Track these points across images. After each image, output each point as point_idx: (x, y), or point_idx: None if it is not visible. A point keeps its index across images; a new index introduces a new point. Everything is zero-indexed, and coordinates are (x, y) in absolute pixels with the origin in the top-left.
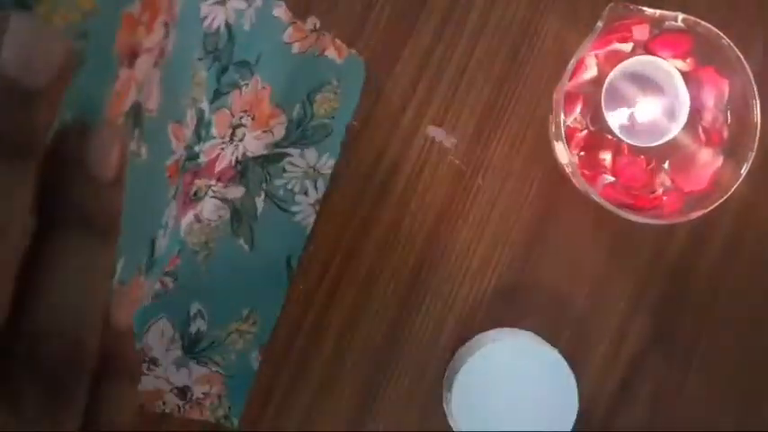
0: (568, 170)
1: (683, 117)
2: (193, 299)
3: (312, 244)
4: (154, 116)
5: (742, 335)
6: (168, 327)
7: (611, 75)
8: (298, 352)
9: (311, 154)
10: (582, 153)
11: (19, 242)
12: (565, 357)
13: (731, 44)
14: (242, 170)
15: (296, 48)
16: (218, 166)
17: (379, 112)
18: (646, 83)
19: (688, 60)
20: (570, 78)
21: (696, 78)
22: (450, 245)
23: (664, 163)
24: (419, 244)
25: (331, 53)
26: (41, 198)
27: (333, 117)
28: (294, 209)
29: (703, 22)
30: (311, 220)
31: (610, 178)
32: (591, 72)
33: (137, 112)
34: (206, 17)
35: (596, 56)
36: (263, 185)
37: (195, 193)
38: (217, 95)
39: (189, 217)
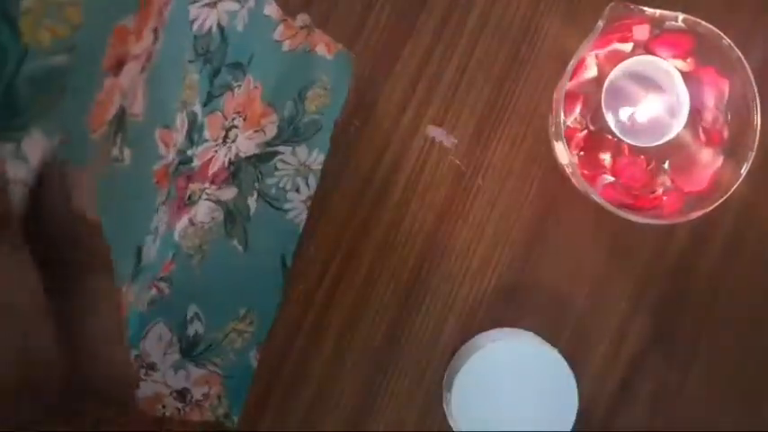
0: (568, 170)
1: (683, 117)
2: (190, 302)
3: (312, 244)
4: (139, 121)
5: (742, 335)
6: (165, 331)
7: (612, 75)
8: (297, 352)
9: (302, 151)
10: (582, 153)
11: (37, 304)
12: (565, 357)
13: (732, 44)
14: (234, 171)
15: (286, 45)
16: (212, 169)
17: (379, 112)
18: (646, 83)
19: (688, 60)
20: (570, 78)
21: (696, 78)
22: (450, 245)
23: (664, 163)
24: (419, 244)
25: (321, 50)
26: (41, 249)
27: (322, 113)
28: (286, 206)
29: (704, 22)
30: (303, 217)
31: (610, 178)
32: (591, 72)
33: (120, 117)
34: (196, 19)
35: (596, 56)
36: (256, 185)
37: (189, 198)
38: (209, 98)
39: (183, 221)
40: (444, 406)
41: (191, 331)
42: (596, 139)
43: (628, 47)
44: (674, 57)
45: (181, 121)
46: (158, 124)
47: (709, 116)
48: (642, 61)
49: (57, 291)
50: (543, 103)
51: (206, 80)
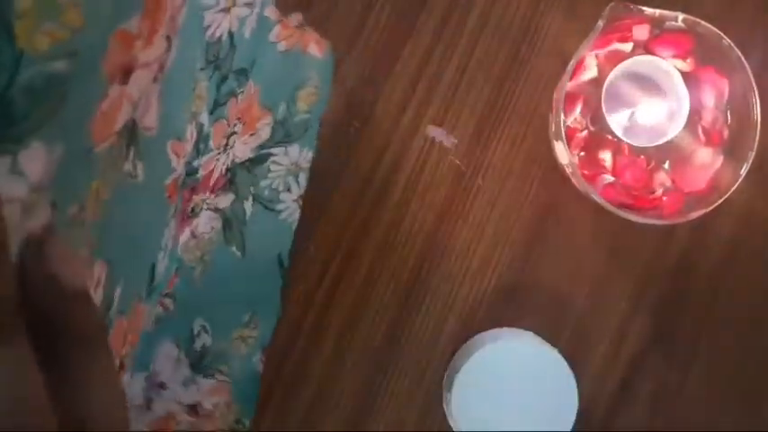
0: (568, 170)
1: (682, 117)
2: (195, 316)
3: (312, 244)
4: (152, 134)
5: (742, 335)
6: (173, 348)
7: (612, 75)
8: (298, 352)
9: (294, 150)
10: (582, 153)
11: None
12: (565, 357)
13: (731, 44)
14: (231, 177)
15: (282, 46)
16: (213, 178)
17: (379, 112)
18: (646, 83)
19: (688, 60)
20: (570, 78)
21: (696, 78)
22: (450, 245)
23: (664, 163)
24: (419, 244)
25: (312, 49)
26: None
27: (311, 111)
28: (279, 207)
29: (704, 22)
30: (296, 215)
31: (610, 178)
32: (591, 72)
33: (131, 130)
34: (209, 26)
35: (596, 56)
36: (251, 189)
37: (192, 210)
38: (216, 106)
39: (185, 234)
40: (444, 406)
41: (198, 345)
42: (596, 139)
43: (628, 47)
44: (674, 57)
45: (190, 132)
46: (170, 136)
47: (708, 116)
48: (642, 61)
49: (52, 362)
50: (543, 103)
51: (214, 88)
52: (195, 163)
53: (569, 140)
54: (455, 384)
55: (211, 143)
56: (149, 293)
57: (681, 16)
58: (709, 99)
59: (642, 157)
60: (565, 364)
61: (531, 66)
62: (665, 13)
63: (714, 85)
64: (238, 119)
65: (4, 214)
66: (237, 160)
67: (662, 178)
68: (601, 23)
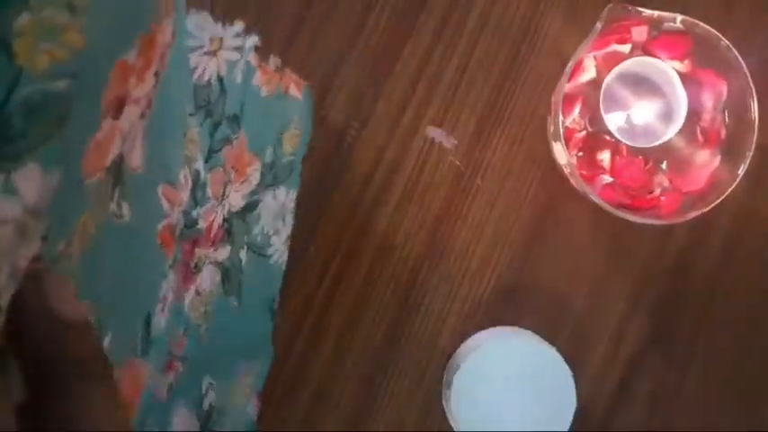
0: (567, 170)
1: (680, 118)
2: (204, 374)
3: (312, 244)
4: (139, 174)
5: (740, 335)
6: (186, 413)
7: (610, 76)
8: (297, 352)
9: (281, 193)
10: (580, 153)
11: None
12: (563, 357)
13: (729, 45)
14: (228, 228)
15: (264, 91)
16: (213, 230)
17: (379, 112)
18: (644, 84)
19: (686, 62)
20: (569, 79)
21: (694, 79)
22: (449, 245)
23: (662, 163)
24: (419, 244)
25: (293, 90)
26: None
27: (296, 153)
28: (270, 252)
29: (702, 24)
30: (285, 257)
31: (608, 179)
32: (590, 73)
33: (118, 167)
34: (196, 68)
35: (595, 57)
36: (246, 238)
37: (196, 265)
38: (210, 154)
39: (191, 292)
40: (444, 405)
41: (206, 404)
42: (595, 139)
43: (626, 48)
44: (673, 58)
45: (184, 178)
46: (161, 180)
47: (706, 117)
48: (640, 62)
49: (53, 396)
50: (542, 104)
51: (207, 134)
52: (194, 213)
53: (568, 141)
54: (454, 384)
55: (209, 192)
56: (146, 349)
57: (679, 17)
58: (707, 100)
59: (640, 157)
60: (563, 363)
61: (530, 66)
62: (664, 14)
63: (712, 85)
64: (233, 167)
65: None
66: (233, 209)
67: (660, 178)
68: (599, 25)
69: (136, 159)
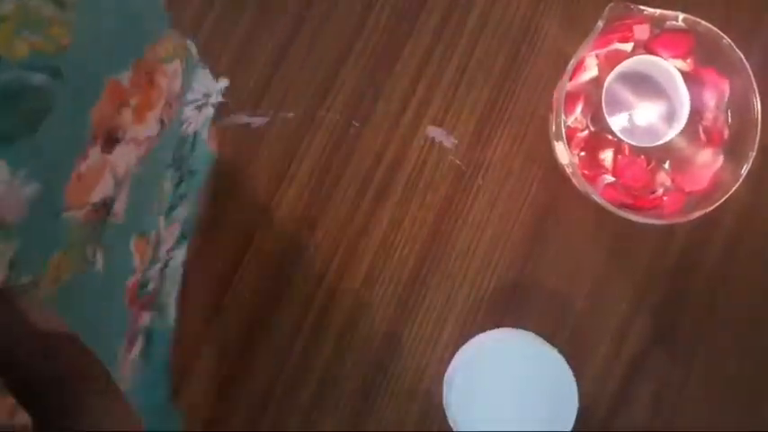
0: (569, 170)
1: (683, 117)
2: None
3: (312, 244)
4: (119, 222)
5: (742, 335)
6: None
7: (612, 75)
8: (297, 352)
9: (181, 252)
10: (582, 153)
11: None
12: (565, 357)
13: (732, 44)
14: (154, 290)
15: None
16: (154, 294)
17: (379, 112)
18: (646, 83)
19: (689, 60)
20: (571, 78)
21: (697, 78)
22: (450, 245)
23: (664, 163)
24: (419, 244)
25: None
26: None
27: (197, 210)
28: (169, 312)
29: (704, 22)
30: (174, 314)
31: (610, 178)
32: (591, 72)
33: (107, 211)
34: (185, 121)
35: (597, 56)
36: (163, 299)
37: (141, 330)
38: (171, 209)
39: (131, 355)
40: (444, 406)
41: None
42: (597, 139)
43: (628, 47)
44: (675, 56)
45: (155, 232)
46: (134, 231)
47: (709, 116)
48: (642, 61)
49: (56, 409)
50: (543, 103)
51: (172, 188)
52: (149, 273)
53: (570, 140)
54: (455, 384)
55: (161, 250)
56: None
57: (681, 16)
58: (709, 99)
59: (642, 156)
60: (565, 364)
61: (530, 66)
62: (666, 12)
63: (715, 84)
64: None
65: None
66: (160, 270)
67: (662, 178)
68: (601, 23)
69: (119, 205)
